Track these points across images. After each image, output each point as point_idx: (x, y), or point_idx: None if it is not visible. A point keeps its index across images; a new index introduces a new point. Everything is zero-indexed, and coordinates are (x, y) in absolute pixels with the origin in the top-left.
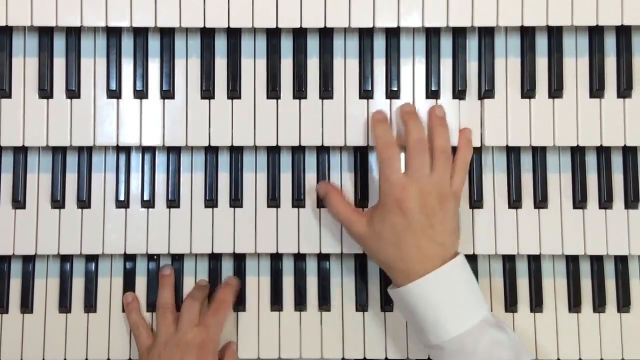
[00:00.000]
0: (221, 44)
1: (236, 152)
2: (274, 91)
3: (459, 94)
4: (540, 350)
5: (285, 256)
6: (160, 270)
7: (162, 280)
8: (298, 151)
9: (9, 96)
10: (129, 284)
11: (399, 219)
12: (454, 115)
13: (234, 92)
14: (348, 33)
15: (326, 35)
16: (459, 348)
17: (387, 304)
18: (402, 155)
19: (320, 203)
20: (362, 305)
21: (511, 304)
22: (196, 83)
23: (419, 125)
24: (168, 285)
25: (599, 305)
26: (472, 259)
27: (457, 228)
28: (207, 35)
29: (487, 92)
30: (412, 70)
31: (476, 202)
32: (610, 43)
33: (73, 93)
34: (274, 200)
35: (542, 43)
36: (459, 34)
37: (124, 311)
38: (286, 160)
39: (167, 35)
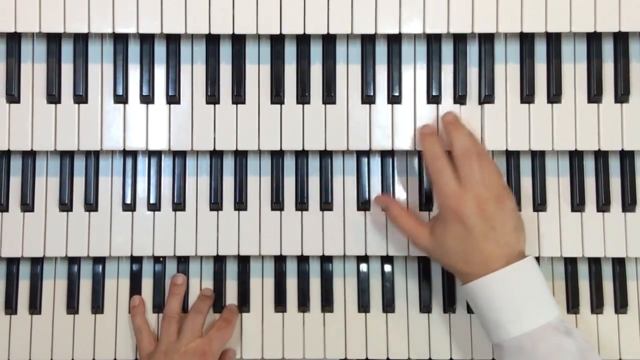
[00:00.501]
0: (226, 50)
1: (240, 156)
2: (277, 96)
3: (459, 98)
4: None
5: (288, 258)
6: (173, 278)
7: (173, 288)
8: (301, 155)
9: (18, 101)
10: (135, 286)
11: (459, 228)
12: None
13: (239, 97)
14: (350, 39)
15: (329, 41)
16: (518, 348)
17: (388, 305)
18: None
19: (324, 206)
20: (364, 306)
21: None
22: (201, 88)
23: (462, 132)
24: (178, 294)
25: (597, 306)
26: None
27: (519, 224)
28: (212, 41)
29: (486, 97)
30: (413, 76)
31: None
32: (607, 49)
33: (80, 98)
34: (277, 203)
35: (540, 49)
36: (460, 39)
37: (130, 312)
38: (289, 164)
39: (173, 41)
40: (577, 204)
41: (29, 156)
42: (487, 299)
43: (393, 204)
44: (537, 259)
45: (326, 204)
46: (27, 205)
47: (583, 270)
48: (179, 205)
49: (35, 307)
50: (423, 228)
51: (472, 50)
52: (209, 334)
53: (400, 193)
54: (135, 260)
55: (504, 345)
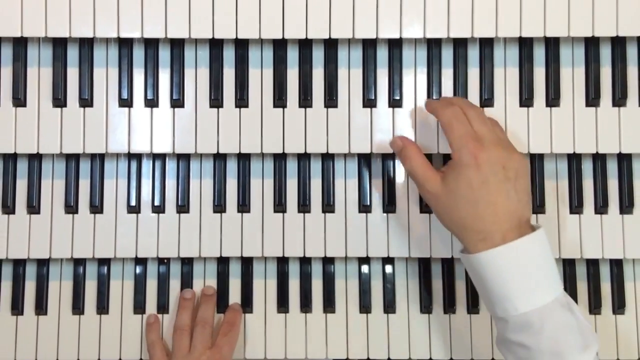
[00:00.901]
0: (229, 54)
1: (243, 159)
2: (280, 100)
3: None
4: None
5: (291, 259)
6: (182, 292)
7: (183, 302)
8: (303, 158)
9: (24, 105)
10: (140, 287)
11: (474, 173)
12: None
13: (242, 100)
14: (352, 44)
15: (331, 45)
16: (525, 324)
17: (389, 306)
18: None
19: (326, 208)
20: (365, 307)
21: None
22: (205, 92)
23: (464, 99)
24: (188, 308)
25: (595, 307)
26: None
27: (529, 189)
28: (216, 45)
29: (486, 100)
30: (414, 80)
31: None
32: (605, 53)
33: (86, 102)
34: (280, 206)
35: (539, 53)
36: (460, 44)
37: (135, 313)
38: (292, 166)
39: (177, 45)
40: (576, 206)
41: (35, 159)
42: (497, 271)
43: (410, 144)
44: None
45: (328, 206)
46: (33, 208)
47: (581, 272)
48: (183, 207)
49: (41, 307)
50: (435, 173)
51: (472, 55)
52: (217, 343)
53: (401, 195)
54: (140, 261)
55: (510, 320)
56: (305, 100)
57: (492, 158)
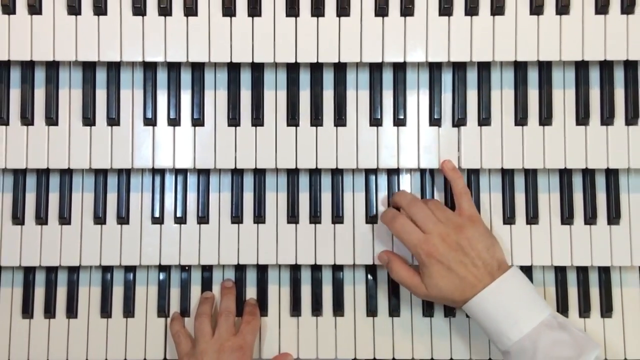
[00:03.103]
0: (246, 77)
1: (259, 174)
2: (293, 119)
3: (459, 121)
4: None
5: (303, 267)
6: (203, 294)
7: (203, 299)
8: (315, 173)
9: (56, 124)
10: (163, 292)
11: (438, 266)
12: (453, 141)
13: (257, 120)
14: (359, 67)
15: (340, 69)
16: (522, 350)
17: (394, 310)
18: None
19: (335, 219)
20: (372, 311)
21: None
22: (223, 112)
23: (401, 193)
24: (208, 301)
25: (584, 310)
26: None
27: (489, 244)
28: (233, 69)
29: (484, 120)
30: (417, 100)
31: None
32: (594, 76)
33: (113, 121)
34: (293, 217)
35: (533, 76)
36: (459, 67)
37: (158, 316)
38: (304, 181)
39: (198, 69)
40: (567, 218)
41: (66, 174)
42: (485, 313)
43: (394, 259)
44: (530, 267)
45: (337, 218)
46: (65, 219)
47: (572, 278)
48: (203, 218)
49: (72, 311)
50: (417, 277)
51: (471, 77)
52: (240, 330)
53: None
54: (163, 269)
55: (510, 351)
56: (316, 120)
57: (443, 248)
